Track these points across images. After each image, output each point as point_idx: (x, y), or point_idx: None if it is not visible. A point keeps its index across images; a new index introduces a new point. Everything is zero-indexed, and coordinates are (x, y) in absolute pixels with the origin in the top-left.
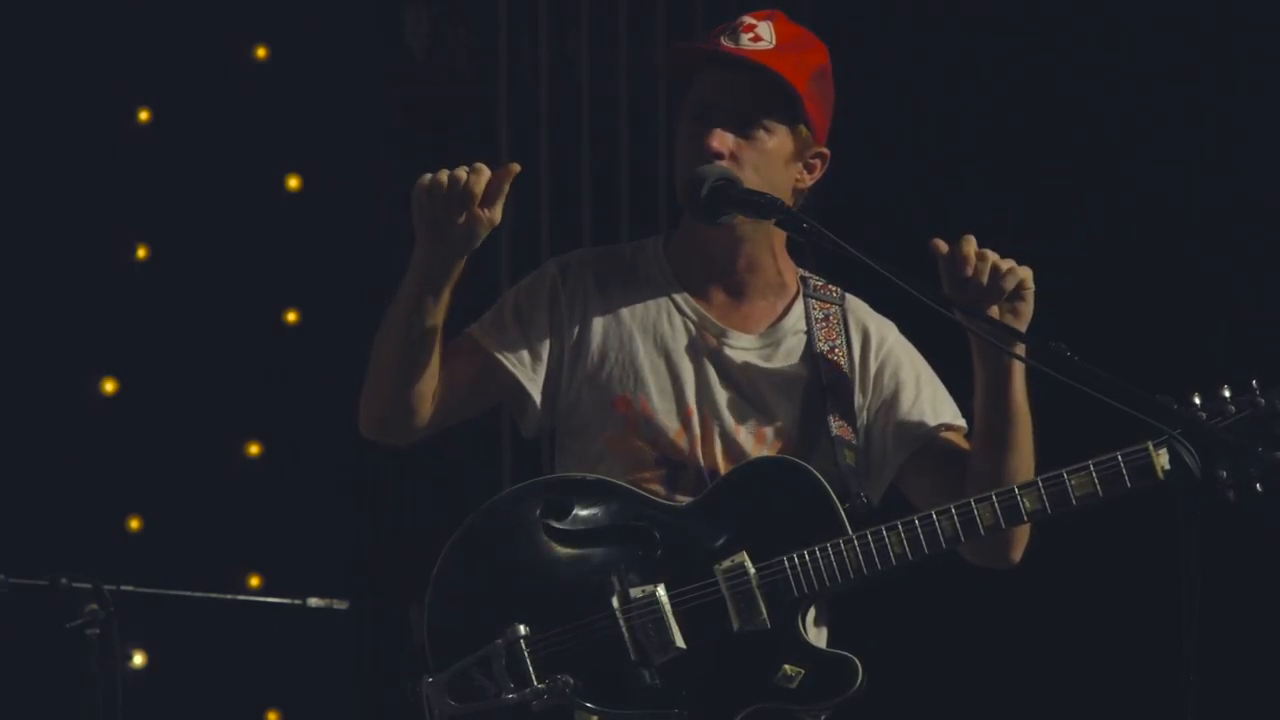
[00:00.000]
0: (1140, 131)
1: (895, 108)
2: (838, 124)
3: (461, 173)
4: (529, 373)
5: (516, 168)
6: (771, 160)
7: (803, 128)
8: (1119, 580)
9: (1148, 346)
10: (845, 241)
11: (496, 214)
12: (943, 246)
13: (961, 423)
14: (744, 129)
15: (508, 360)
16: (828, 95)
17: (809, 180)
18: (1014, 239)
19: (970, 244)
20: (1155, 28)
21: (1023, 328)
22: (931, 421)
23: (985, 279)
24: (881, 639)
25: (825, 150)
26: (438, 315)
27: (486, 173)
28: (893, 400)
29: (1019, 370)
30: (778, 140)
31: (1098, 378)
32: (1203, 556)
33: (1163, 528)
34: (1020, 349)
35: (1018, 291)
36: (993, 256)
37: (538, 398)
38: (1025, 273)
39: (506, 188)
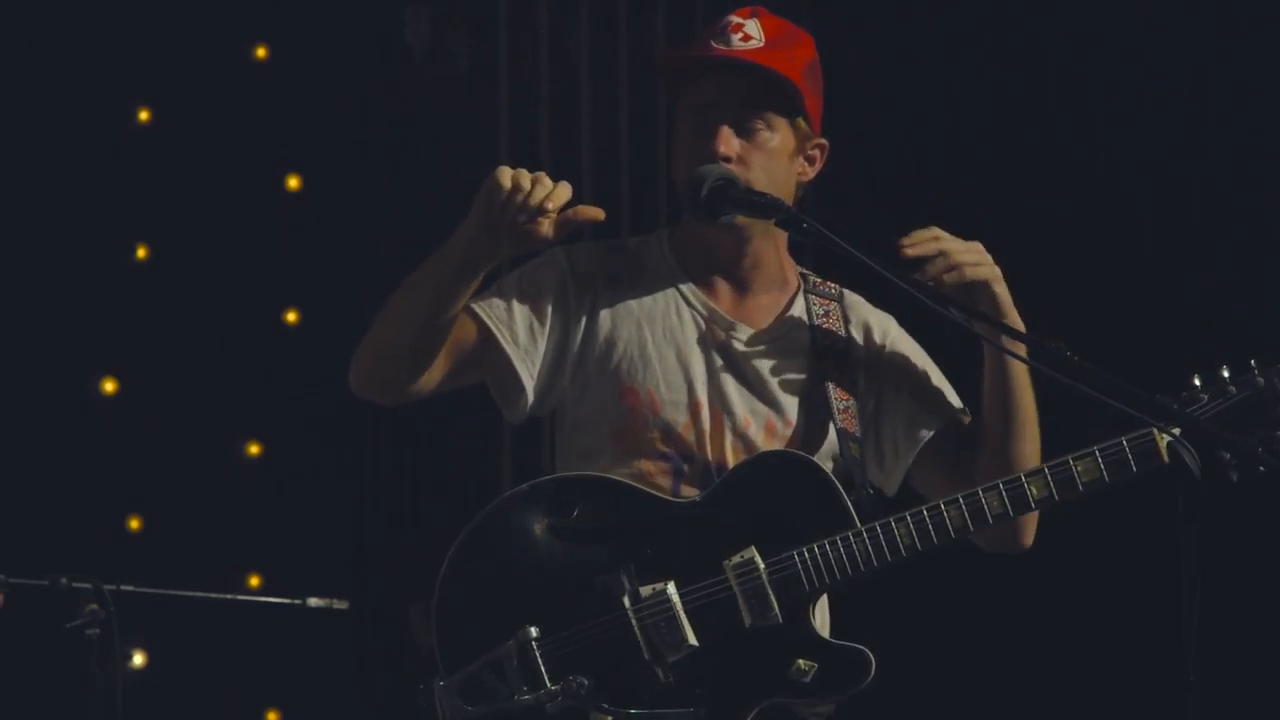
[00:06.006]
0: (1140, 131)
1: (895, 107)
2: (839, 125)
3: (539, 192)
4: (523, 356)
5: (600, 214)
6: (776, 158)
7: (801, 121)
8: (1120, 579)
9: (1147, 346)
10: (845, 241)
11: (551, 233)
12: (906, 250)
13: (968, 414)
14: (746, 130)
15: (504, 339)
16: (819, 85)
17: (811, 172)
18: (1014, 239)
19: (923, 239)
20: (1154, 27)
21: (1000, 304)
22: (943, 408)
23: (942, 261)
24: (886, 632)
25: (823, 141)
26: (464, 294)
27: (563, 195)
28: (902, 390)
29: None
30: (780, 137)
31: (1097, 377)
32: (1203, 555)
33: (1163, 526)
34: (1021, 348)
35: (974, 265)
36: (945, 241)
37: (529, 383)
38: (964, 252)
39: (575, 222)
